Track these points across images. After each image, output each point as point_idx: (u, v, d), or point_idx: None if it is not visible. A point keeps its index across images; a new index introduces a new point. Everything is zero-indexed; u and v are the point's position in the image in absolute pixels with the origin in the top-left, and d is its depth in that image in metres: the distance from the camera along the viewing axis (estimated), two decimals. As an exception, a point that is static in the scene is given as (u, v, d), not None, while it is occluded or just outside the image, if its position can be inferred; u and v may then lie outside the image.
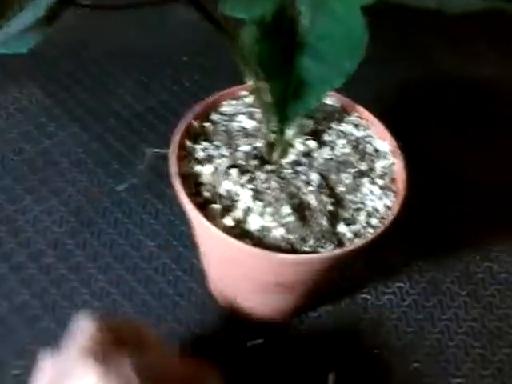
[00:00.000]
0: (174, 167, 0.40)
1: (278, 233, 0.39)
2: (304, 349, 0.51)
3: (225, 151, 0.43)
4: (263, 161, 0.43)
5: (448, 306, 0.55)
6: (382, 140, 0.45)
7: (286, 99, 0.26)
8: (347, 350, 0.51)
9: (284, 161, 0.43)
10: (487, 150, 0.70)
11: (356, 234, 0.40)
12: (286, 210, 0.39)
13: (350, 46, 0.24)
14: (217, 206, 0.40)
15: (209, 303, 0.53)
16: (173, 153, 0.41)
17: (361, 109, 0.46)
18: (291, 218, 0.39)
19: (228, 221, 0.39)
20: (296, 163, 0.43)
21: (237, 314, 0.52)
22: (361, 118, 0.47)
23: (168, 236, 0.57)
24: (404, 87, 0.77)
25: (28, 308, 0.51)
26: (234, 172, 0.41)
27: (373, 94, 0.74)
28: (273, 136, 0.44)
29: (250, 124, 0.45)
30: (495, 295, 0.57)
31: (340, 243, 0.39)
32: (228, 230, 0.38)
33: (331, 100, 0.47)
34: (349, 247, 0.38)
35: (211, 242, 0.42)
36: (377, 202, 0.41)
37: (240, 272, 0.43)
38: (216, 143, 0.44)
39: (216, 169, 0.41)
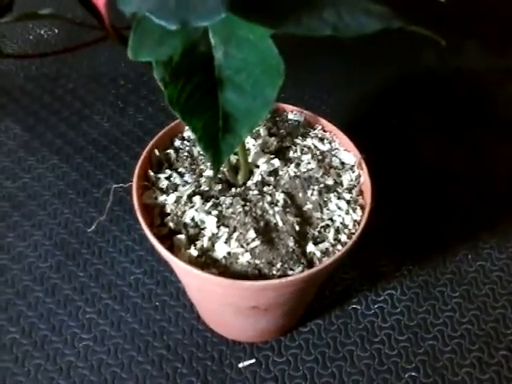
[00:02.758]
0: (135, 200, 0.40)
1: (245, 259, 0.38)
2: (296, 365, 0.50)
3: (189, 178, 0.42)
4: (228, 184, 0.43)
5: (441, 310, 0.54)
6: (347, 152, 0.44)
7: (217, 134, 0.26)
8: (340, 363, 0.50)
9: (249, 182, 0.43)
10: (472, 147, 0.68)
11: (325, 252, 0.39)
12: (252, 234, 0.38)
13: (268, 75, 0.24)
14: (182, 237, 0.39)
15: (197, 326, 0.52)
16: (135, 185, 0.41)
17: (324, 121, 0.45)
18: (257, 243, 0.38)
19: (193, 251, 0.38)
20: (262, 183, 0.42)
21: (226, 336, 0.51)
22: (325, 130, 0.46)
23: (153, 262, 0.57)
24: (382, 89, 0.76)
25: (18, 345, 0.51)
26: (197, 199, 0.40)
27: (359, 96, 0.73)
28: (235, 158, 0.43)
29: (213, 147, 0.44)
30: (489, 295, 0.55)
31: (309, 263, 0.39)
32: (194, 260, 0.38)
33: (294, 115, 0.46)
34: (317, 267, 0.38)
35: (180, 272, 0.41)
36: (345, 217, 0.40)
37: (214, 298, 0.43)
38: (180, 170, 0.43)
39: (179, 198, 0.41)
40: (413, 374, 0.50)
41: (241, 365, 0.50)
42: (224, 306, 0.43)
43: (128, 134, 0.68)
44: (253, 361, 0.51)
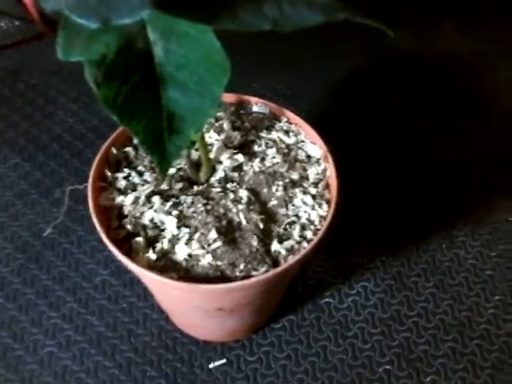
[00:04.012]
0: (90, 203, 0.38)
1: (206, 260, 0.36)
2: (268, 363, 0.49)
3: (148, 177, 0.41)
4: (190, 182, 0.41)
5: (415, 302, 0.53)
6: (313, 144, 0.42)
7: (161, 136, 0.24)
8: (313, 358, 0.49)
9: (212, 179, 0.41)
10: (450, 134, 0.67)
11: (290, 250, 0.37)
12: (213, 234, 0.37)
13: (213, 71, 0.22)
14: (140, 239, 0.37)
15: (166, 328, 0.51)
16: (90, 187, 0.39)
17: (290, 114, 0.44)
18: (219, 243, 0.37)
19: (152, 254, 0.37)
20: (225, 180, 0.41)
21: (196, 337, 0.50)
22: (290, 123, 0.44)
23: (119, 262, 0.54)
24: (352, 76, 0.74)
25: (-22, 355, 0.49)
26: (156, 199, 0.39)
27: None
28: (197, 154, 0.41)
29: (172, 144, 0.42)
30: (463, 284, 0.54)
31: (274, 262, 0.37)
32: (152, 264, 0.36)
33: (259, 107, 0.44)
34: (282, 266, 0.36)
35: (140, 276, 0.40)
36: (311, 212, 0.39)
37: (178, 301, 0.41)
38: (139, 169, 0.42)
39: (137, 198, 0.39)
40: (387, 367, 0.49)
41: (211, 365, 0.49)
42: (189, 308, 0.41)
43: (93, 130, 0.65)
44: (224, 361, 0.49)
